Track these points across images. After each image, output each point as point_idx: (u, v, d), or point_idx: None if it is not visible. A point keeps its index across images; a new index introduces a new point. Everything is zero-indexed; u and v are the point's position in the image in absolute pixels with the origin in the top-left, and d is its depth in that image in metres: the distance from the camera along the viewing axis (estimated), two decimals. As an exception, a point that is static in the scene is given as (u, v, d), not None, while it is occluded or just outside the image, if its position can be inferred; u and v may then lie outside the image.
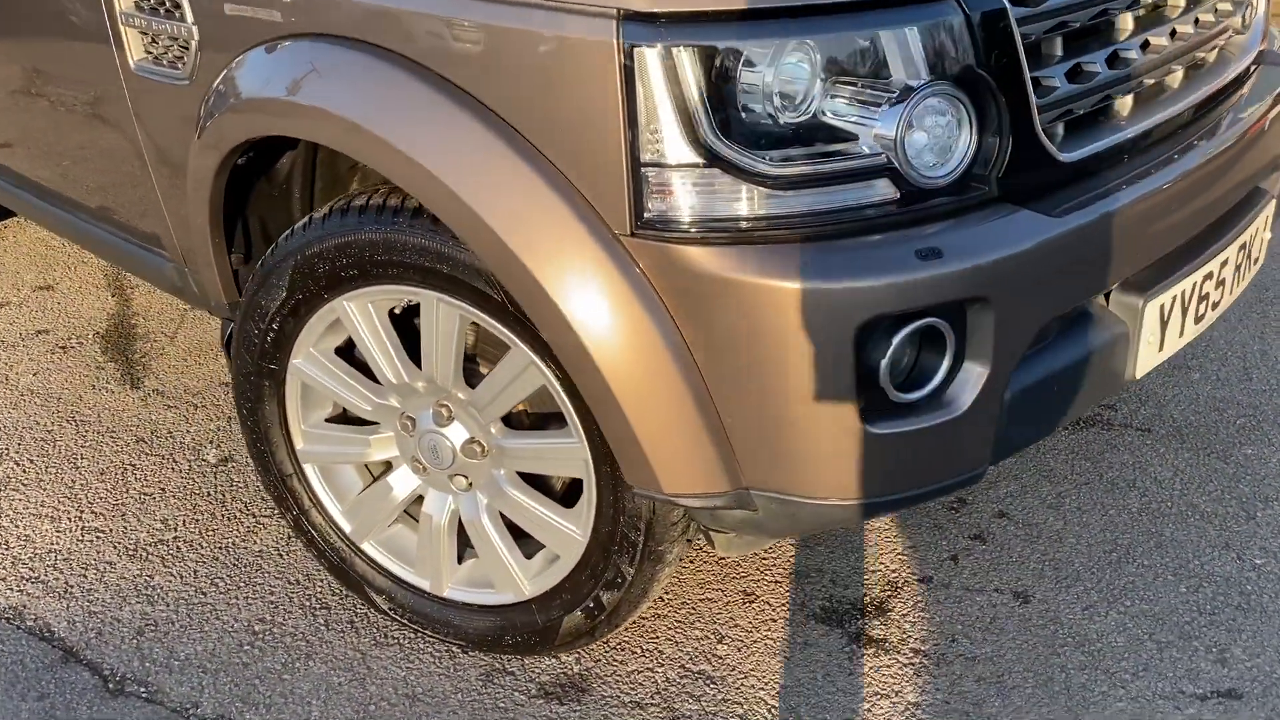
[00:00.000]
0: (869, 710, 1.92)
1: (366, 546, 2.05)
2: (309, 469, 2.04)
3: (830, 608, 2.13)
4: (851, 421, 1.48)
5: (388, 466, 2.00)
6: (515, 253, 1.51)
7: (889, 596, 2.15)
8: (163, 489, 2.53)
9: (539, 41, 1.44)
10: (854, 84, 1.47)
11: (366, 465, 2.06)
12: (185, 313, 3.27)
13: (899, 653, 2.03)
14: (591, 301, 1.50)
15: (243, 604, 2.20)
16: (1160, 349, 1.79)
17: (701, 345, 1.50)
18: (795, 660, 2.02)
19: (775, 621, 2.11)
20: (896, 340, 1.46)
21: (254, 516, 2.43)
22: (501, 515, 1.91)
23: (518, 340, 1.70)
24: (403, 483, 1.98)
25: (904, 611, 2.12)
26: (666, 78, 1.40)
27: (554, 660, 2.03)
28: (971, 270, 1.46)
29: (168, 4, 1.93)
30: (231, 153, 1.89)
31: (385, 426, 1.94)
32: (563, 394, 1.70)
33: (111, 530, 2.41)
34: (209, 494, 2.51)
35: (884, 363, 1.47)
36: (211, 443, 2.68)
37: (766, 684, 1.98)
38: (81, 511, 2.47)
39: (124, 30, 2.04)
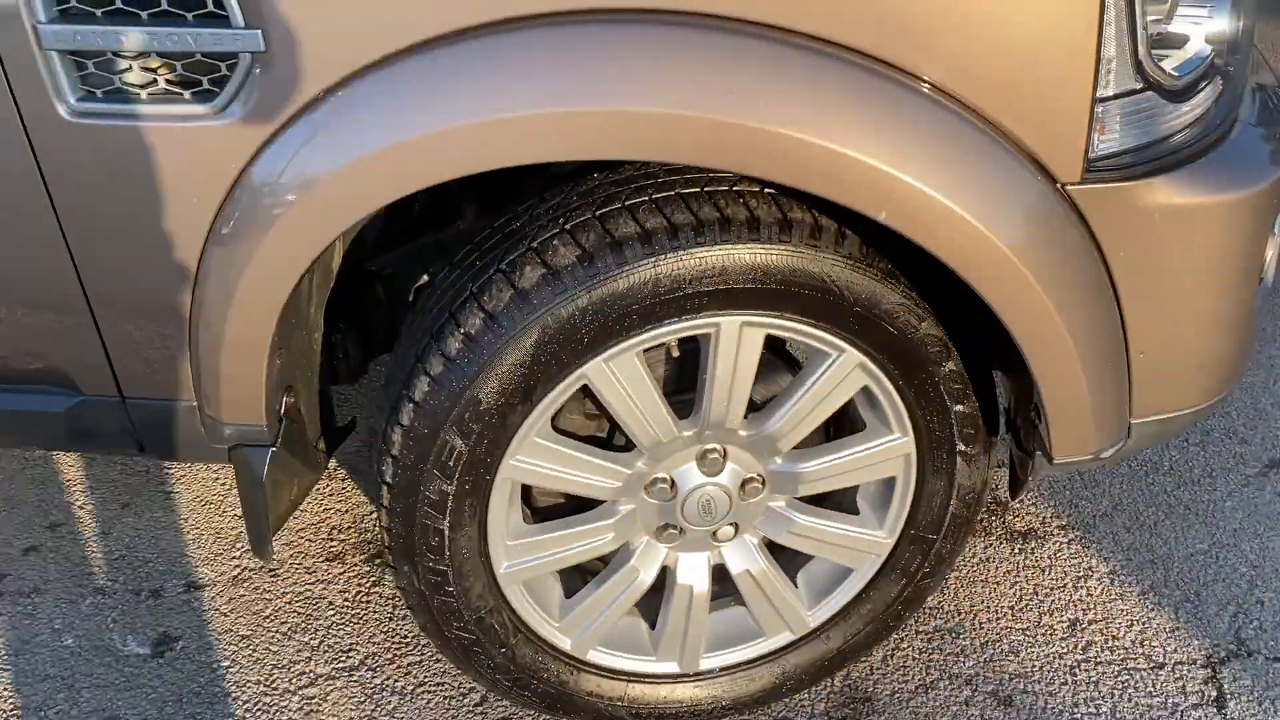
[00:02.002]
0: (1087, 595, 1.98)
1: (592, 655, 1.63)
2: (513, 592, 1.55)
3: (964, 521, 2.13)
4: (1249, 311, 1.49)
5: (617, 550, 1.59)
6: (982, 229, 1.26)
7: (990, 490, 2.20)
8: None
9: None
10: (1182, -14, 1.42)
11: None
12: None
13: (1054, 535, 2.10)
14: (1053, 263, 1.31)
15: (412, 799, 1.64)
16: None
17: (1129, 280, 1.39)
18: (993, 579, 2.00)
19: (939, 553, 2.06)
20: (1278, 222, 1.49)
21: (290, 693, 1.79)
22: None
23: (845, 344, 1.44)
24: (649, 560, 1.59)
25: (1019, 498, 2.18)
26: (1126, 1, 1.25)
27: (813, 688, 1.80)
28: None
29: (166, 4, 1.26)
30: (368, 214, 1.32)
31: (625, 501, 1.53)
32: (891, 389, 1.49)
33: (106, 801, 1.64)
34: (191, 694, 1.80)
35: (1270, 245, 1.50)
36: (113, 628, 1.91)
37: (998, 612, 1.94)
38: (23, 799, 1.65)
39: (45, 59, 1.29)
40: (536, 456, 1.45)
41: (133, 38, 1.27)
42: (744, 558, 1.62)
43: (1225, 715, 1.77)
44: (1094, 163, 1.31)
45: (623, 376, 1.41)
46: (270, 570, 2.01)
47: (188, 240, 1.39)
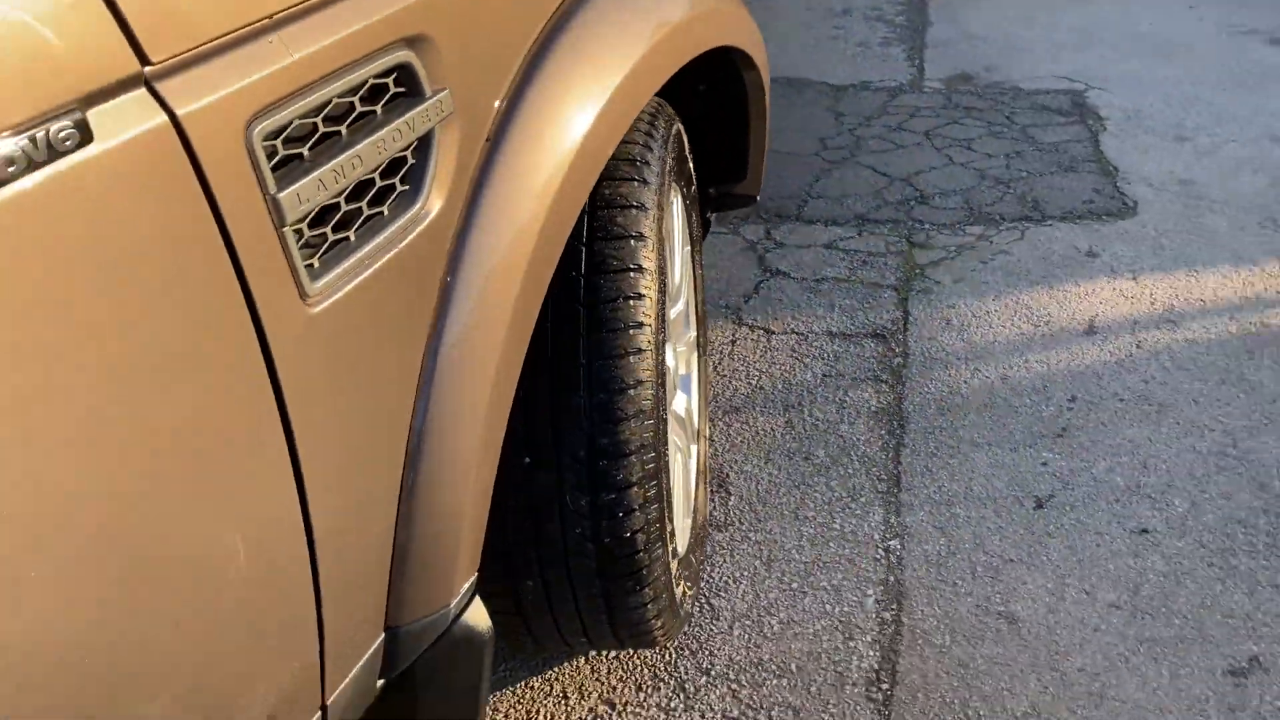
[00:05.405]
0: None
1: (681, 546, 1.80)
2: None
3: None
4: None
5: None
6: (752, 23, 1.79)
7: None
8: None
9: None
10: None
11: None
12: None
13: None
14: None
15: None
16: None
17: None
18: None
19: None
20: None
21: None
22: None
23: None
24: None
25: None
26: None
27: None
28: None
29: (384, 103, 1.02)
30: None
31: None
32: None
33: None
34: None
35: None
36: None
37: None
38: None
39: (283, 240, 0.95)
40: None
41: (364, 153, 1.01)
42: (682, 399, 1.92)
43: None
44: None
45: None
46: None
47: (402, 387, 1.14)
